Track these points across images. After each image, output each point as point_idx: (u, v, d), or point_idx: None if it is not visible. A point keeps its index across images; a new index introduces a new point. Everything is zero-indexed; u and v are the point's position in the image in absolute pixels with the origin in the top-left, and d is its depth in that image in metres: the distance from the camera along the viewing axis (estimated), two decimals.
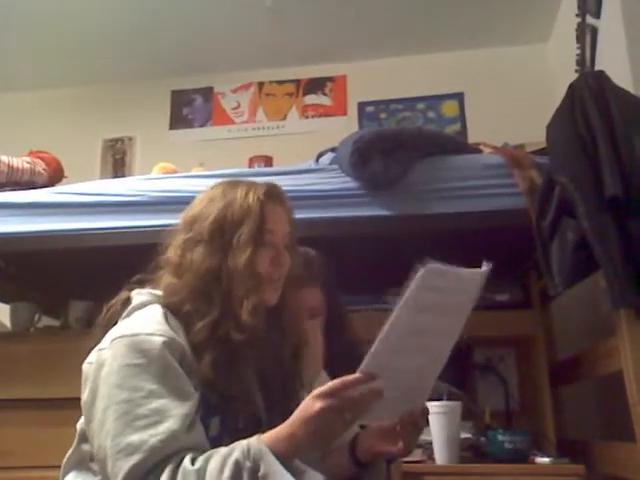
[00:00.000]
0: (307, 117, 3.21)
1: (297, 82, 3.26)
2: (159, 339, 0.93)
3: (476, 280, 0.89)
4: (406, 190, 1.79)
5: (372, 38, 3.03)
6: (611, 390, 1.92)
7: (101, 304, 1.08)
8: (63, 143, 2.89)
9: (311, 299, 1.34)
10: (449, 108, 3.06)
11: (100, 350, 0.97)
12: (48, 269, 2.12)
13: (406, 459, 1.52)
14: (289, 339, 1.13)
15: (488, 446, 1.70)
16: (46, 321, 2.36)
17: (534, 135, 1.99)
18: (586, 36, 2.36)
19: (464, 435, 1.76)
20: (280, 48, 3.08)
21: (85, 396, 0.97)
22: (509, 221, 1.71)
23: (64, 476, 1.04)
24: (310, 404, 0.86)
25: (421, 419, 1.04)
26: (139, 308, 1.03)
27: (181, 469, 0.84)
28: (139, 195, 1.90)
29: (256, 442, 0.86)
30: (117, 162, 3.26)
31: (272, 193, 1.12)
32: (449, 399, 1.65)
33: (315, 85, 3.24)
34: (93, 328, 1.07)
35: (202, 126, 3.28)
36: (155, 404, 0.89)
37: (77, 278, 2.16)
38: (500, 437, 1.66)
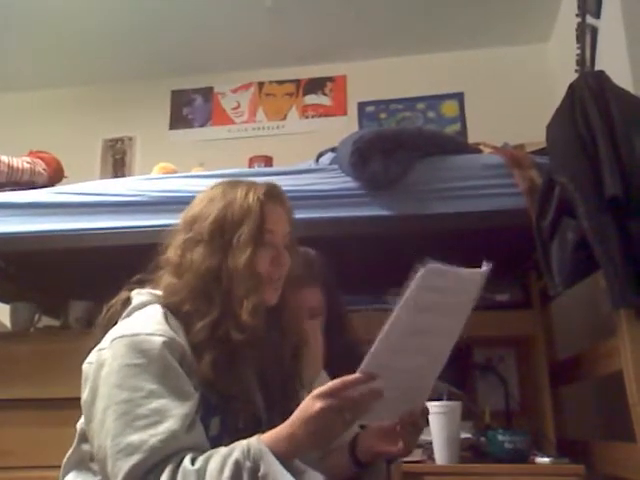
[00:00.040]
0: (307, 117, 3.21)
1: (297, 82, 3.26)
2: (159, 339, 0.93)
3: (476, 280, 0.89)
4: (406, 190, 1.79)
5: (372, 38, 3.03)
6: (611, 390, 1.92)
7: (101, 304, 1.08)
8: (63, 143, 2.89)
9: (311, 299, 1.34)
10: (449, 108, 3.06)
11: (100, 350, 0.97)
12: (48, 269, 2.12)
13: (406, 459, 1.52)
14: (289, 339, 1.13)
15: (488, 446, 1.70)
16: (46, 321, 2.36)
17: (534, 135, 1.99)
18: (586, 36, 2.36)
19: (464, 435, 1.76)
20: (280, 48, 3.08)
21: (85, 396, 0.97)
22: (509, 221, 1.71)
23: (64, 476, 1.04)
24: (310, 404, 0.86)
25: (421, 419, 1.04)
26: (139, 308, 1.03)
27: (181, 469, 0.84)
28: (139, 195, 1.90)
29: (256, 442, 0.86)
30: (117, 162, 3.26)
31: (272, 193, 1.12)
32: (449, 399, 1.65)
33: (315, 85, 3.24)
34: (93, 328, 1.07)
35: (202, 126, 3.28)
36: (155, 404, 0.89)
37: (77, 278, 2.16)
38: (500, 437, 1.66)
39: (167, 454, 0.86)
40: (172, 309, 1.02)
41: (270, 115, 3.24)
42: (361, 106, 3.15)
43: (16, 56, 3.12)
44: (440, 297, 0.86)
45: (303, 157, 2.21)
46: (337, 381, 0.86)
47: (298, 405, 0.88)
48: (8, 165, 2.15)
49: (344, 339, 1.41)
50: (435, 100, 3.07)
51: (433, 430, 1.64)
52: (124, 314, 1.04)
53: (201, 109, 3.30)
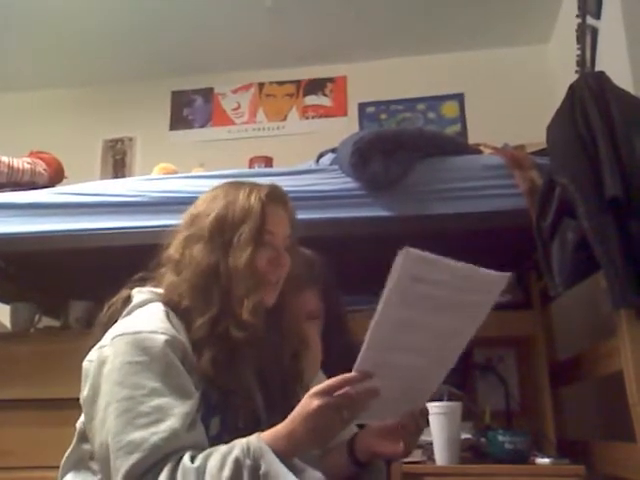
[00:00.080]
0: (307, 118, 3.21)
1: (297, 83, 3.26)
2: (161, 337, 0.93)
3: (491, 282, 0.85)
4: (406, 191, 1.79)
5: (372, 38, 3.03)
6: (611, 390, 1.92)
7: (101, 304, 1.08)
8: (63, 143, 2.89)
9: (309, 302, 1.34)
10: (449, 109, 3.06)
11: (101, 348, 0.97)
12: (48, 269, 2.13)
13: (406, 460, 1.52)
14: (289, 340, 1.13)
15: (488, 447, 1.70)
16: (46, 321, 2.36)
17: (534, 136, 1.99)
18: (586, 37, 2.36)
19: (464, 436, 1.76)
20: (280, 48, 3.08)
21: (86, 393, 0.97)
22: (509, 222, 1.71)
23: (63, 475, 1.04)
24: (308, 402, 0.86)
25: (421, 419, 1.04)
26: (140, 306, 1.03)
27: (180, 467, 0.84)
28: (139, 195, 1.90)
29: (256, 440, 0.87)
30: (117, 162, 3.26)
31: (274, 194, 1.12)
32: (449, 400, 1.65)
33: (315, 86, 3.24)
34: (93, 328, 1.07)
35: (202, 127, 3.28)
36: (157, 402, 0.89)
37: (77, 278, 2.16)
38: (500, 437, 1.66)
39: (167, 453, 0.86)
40: (173, 307, 1.02)
41: (270, 116, 3.24)
42: (361, 107, 3.15)
43: (16, 56, 3.12)
44: (432, 289, 0.82)
45: (303, 158, 2.22)
46: (334, 379, 0.86)
47: None
48: (8, 166, 2.15)
49: (343, 339, 1.41)
50: (435, 101, 3.07)
51: (433, 431, 1.64)
52: (124, 312, 1.04)
53: (201, 110, 3.30)
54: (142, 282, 1.09)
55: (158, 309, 1.01)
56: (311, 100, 3.22)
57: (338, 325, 1.44)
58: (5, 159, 2.16)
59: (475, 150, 2.00)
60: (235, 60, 3.19)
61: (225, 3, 2.78)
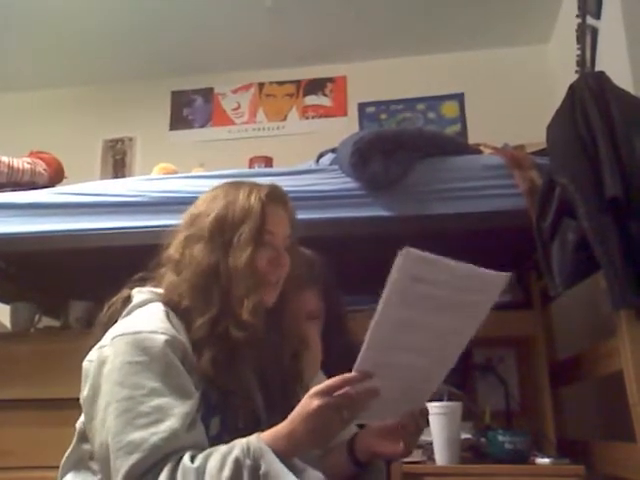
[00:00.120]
0: (307, 118, 3.21)
1: (297, 83, 3.26)
2: (161, 337, 0.94)
3: (491, 282, 0.85)
4: (406, 191, 1.79)
5: (372, 38, 3.03)
6: (611, 390, 1.92)
7: (101, 304, 1.08)
8: (63, 143, 2.89)
9: (309, 302, 1.34)
10: (449, 109, 3.06)
11: (101, 348, 0.97)
12: (48, 269, 2.13)
13: (406, 460, 1.52)
14: (289, 340, 1.13)
15: (488, 447, 1.70)
16: (46, 321, 2.36)
17: (534, 136, 1.99)
18: (586, 37, 2.36)
19: (464, 436, 1.76)
20: (280, 48, 3.08)
21: (85, 393, 0.97)
22: (509, 222, 1.71)
23: (63, 475, 1.04)
24: (308, 402, 0.86)
25: (421, 419, 1.04)
26: (140, 306, 1.03)
27: (180, 467, 0.84)
28: (139, 195, 1.90)
29: (256, 440, 0.87)
30: (117, 162, 3.26)
31: (274, 195, 1.12)
32: (449, 400, 1.65)
33: (315, 86, 3.24)
34: (93, 328, 1.07)
35: (202, 127, 3.28)
36: (156, 402, 0.89)
37: (77, 278, 2.16)
38: (500, 437, 1.66)
39: (167, 453, 0.86)
40: (173, 307, 1.02)
41: (270, 116, 3.24)
42: (361, 107, 3.15)
43: (16, 56, 3.12)
44: (432, 289, 0.83)
45: (303, 158, 2.22)
46: (334, 379, 0.86)
47: None
48: (8, 166, 2.15)
49: (343, 339, 1.41)
50: (435, 101, 3.07)
51: (433, 431, 1.64)
52: (124, 312, 1.04)
53: (201, 110, 3.30)
54: (142, 282, 1.09)
55: (158, 309, 1.01)
56: (311, 100, 3.23)
57: (338, 325, 1.44)
58: (5, 159, 2.16)
59: (475, 150, 2.00)
60: (235, 60, 3.19)
61: (225, 3, 2.78)
